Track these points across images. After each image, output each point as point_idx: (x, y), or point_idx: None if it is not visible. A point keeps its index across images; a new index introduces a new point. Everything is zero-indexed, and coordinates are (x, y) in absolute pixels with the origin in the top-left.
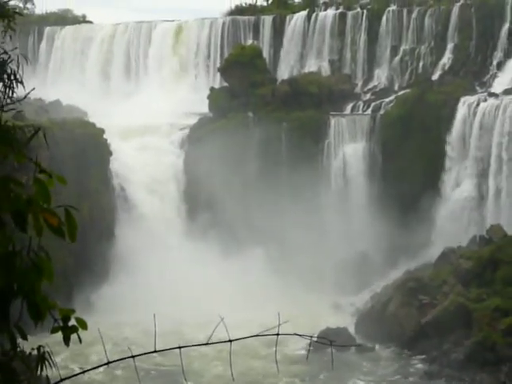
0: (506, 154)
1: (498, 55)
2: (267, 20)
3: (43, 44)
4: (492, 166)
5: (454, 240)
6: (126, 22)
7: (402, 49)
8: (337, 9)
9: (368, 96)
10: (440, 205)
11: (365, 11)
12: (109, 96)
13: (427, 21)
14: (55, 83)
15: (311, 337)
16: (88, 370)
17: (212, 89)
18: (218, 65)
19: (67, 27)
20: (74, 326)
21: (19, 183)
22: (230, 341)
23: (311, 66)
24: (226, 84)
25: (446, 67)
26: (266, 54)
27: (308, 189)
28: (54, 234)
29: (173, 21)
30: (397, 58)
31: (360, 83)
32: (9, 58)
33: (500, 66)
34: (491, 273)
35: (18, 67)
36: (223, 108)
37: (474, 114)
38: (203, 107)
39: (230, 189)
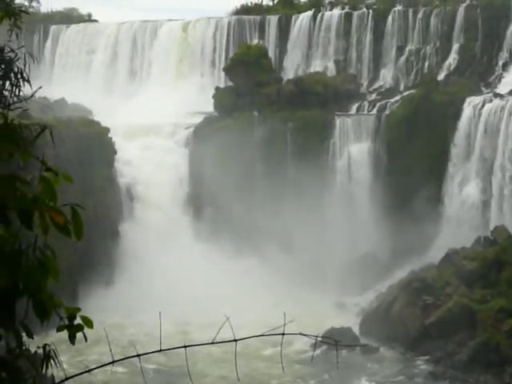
0: (511, 154)
1: (504, 56)
2: (273, 20)
3: (48, 43)
4: (497, 166)
5: (458, 241)
6: (132, 21)
7: (407, 49)
8: (342, 9)
9: (373, 96)
10: (445, 205)
11: (370, 11)
12: (114, 95)
13: (433, 21)
14: (60, 82)
15: (316, 337)
16: (93, 369)
17: (217, 88)
18: (223, 64)
19: (72, 26)
20: (79, 324)
21: (25, 181)
22: (235, 340)
23: (317, 66)
24: (231, 83)
25: (452, 68)
26: (271, 53)
27: (313, 188)
28: (60, 232)
29: (178, 20)
30: (402, 58)
31: (365, 83)
32: (15, 56)
33: (506, 66)
34: (495, 274)
35: (24, 66)
36: (228, 107)
37: (480, 114)
38: (208, 106)
39: (234, 188)
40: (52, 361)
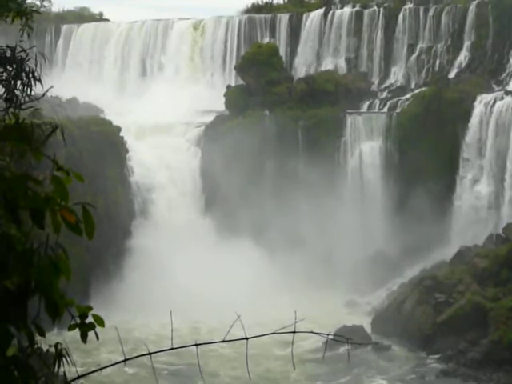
0: None
1: None
2: (284, 18)
3: (60, 42)
4: (508, 164)
5: (470, 238)
6: (143, 20)
7: (418, 47)
8: (353, 7)
9: (384, 94)
10: (456, 203)
11: (381, 9)
12: (125, 94)
13: (444, 19)
14: (72, 81)
15: (327, 335)
16: (105, 367)
17: (228, 87)
18: (234, 63)
19: (84, 25)
20: (91, 323)
21: (37, 181)
22: (247, 338)
23: (328, 64)
24: (242, 82)
25: (463, 65)
26: (282, 52)
27: (324, 186)
28: (71, 231)
29: (189, 19)
30: (413, 56)
31: (376, 81)
32: (27, 56)
33: None
34: (508, 272)
35: (35, 65)
36: (240, 106)
37: (491, 112)
38: (219, 105)
39: (246, 186)
40: (64, 359)
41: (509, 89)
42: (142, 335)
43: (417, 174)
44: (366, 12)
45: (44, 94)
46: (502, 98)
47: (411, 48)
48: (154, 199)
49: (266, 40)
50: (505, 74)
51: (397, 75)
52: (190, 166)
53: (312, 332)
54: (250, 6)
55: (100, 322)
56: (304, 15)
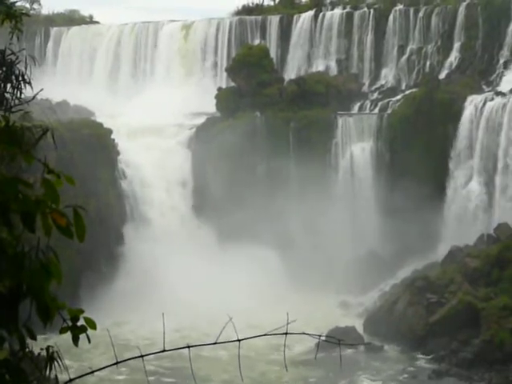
0: None
1: (505, 54)
2: (274, 20)
3: (50, 45)
4: (499, 164)
5: (461, 239)
6: (133, 22)
7: (408, 48)
8: (344, 8)
9: (375, 95)
10: (447, 203)
11: (372, 11)
12: (116, 96)
13: (434, 20)
14: (62, 83)
15: (319, 336)
16: (97, 370)
17: (219, 89)
18: (225, 65)
19: (74, 28)
20: (82, 325)
21: (27, 184)
22: (239, 340)
23: (318, 66)
24: (233, 84)
25: (453, 66)
26: (273, 53)
27: (315, 188)
28: (62, 234)
29: (180, 21)
30: (404, 58)
31: (367, 82)
32: (16, 58)
33: (507, 64)
34: (499, 271)
35: (25, 68)
36: (231, 108)
37: (481, 112)
38: (210, 107)
39: (237, 188)
40: (56, 363)
41: (499, 89)
42: (134, 339)
43: (408, 175)
44: (357, 13)
45: (34, 97)
46: (492, 99)
47: (401, 49)
48: (146, 201)
49: (257, 42)
50: (495, 75)
51: (387, 76)
52: (181, 167)
53: (304, 333)
54: (240, 7)
55: (92, 324)
56: (294, 17)
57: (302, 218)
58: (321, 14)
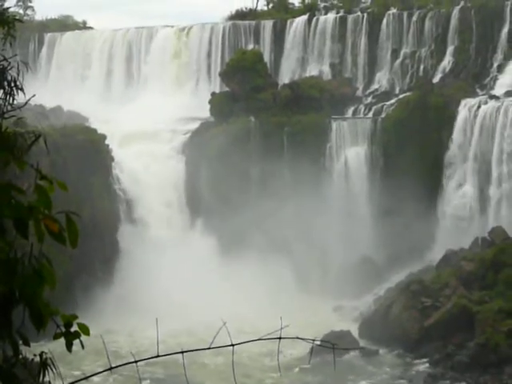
0: (507, 156)
1: (499, 57)
2: (268, 24)
3: (44, 50)
4: (493, 168)
5: (456, 242)
6: (127, 28)
7: (402, 52)
8: (337, 13)
9: (369, 99)
10: (442, 207)
11: (365, 15)
12: (110, 102)
13: (427, 24)
14: (56, 89)
15: (313, 340)
16: (91, 376)
17: (213, 93)
18: (219, 70)
19: (68, 33)
20: (76, 331)
21: (20, 190)
22: (233, 345)
23: (312, 70)
24: (227, 89)
25: (447, 70)
26: (267, 58)
27: (310, 192)
28: (55, 240)
29: (173, 26)
30: (397, 61)
31: (361, 87)
32: (9, 64)
33: (500, 68)
34: (494, 275)
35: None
36: (225, 113)
37: (475, 116)
38: (204, 112)
39: (231, 193)
40: (49, 369)
41: (493, 93)
42: (128, 345)
43: (402, 179)
44: (350, 17)
45: (26, 103)
46: (486, 103)
47: (395, 53)
48: (140, 207)
49: (251, 46)
50: (488, 79)
51: (381, 80)
52: (175, 173)
53: (298, 338)
54: (234, 12)
55: (85, 330)
56: (288, 21)
57: (297, 222)
58: (314, 19)
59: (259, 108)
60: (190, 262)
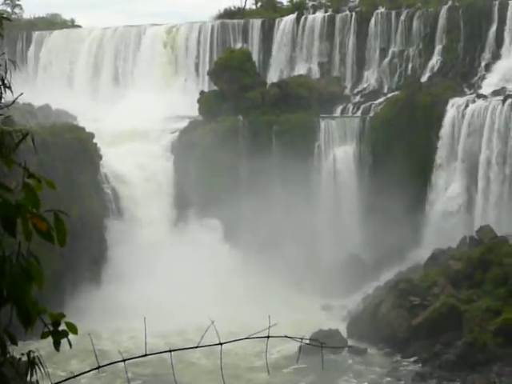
0: (495, 155)
1: (486, 57)
2: (256, 23)
3: (32, 49)
4: (481, 167)
5: (444, 241)
6: (115, 26)
7: (390, 51)
8: (325, 12)
9: (357, 98)
10: (430, 206)
11: (353, 14)
12: (98, 100)
13: (415, 23)
14: (44, 88)
15: (301, 339)
16: (79, 375)
17: (202, 92)
18: (207, 68)
19: (56, 32)
20: (64, 330)
21: (8, 188)
22: (221, 344)
23: (301, 69)
24: (215, 87)
25: (435, 69)
26: (255, 57)
27: (299, 191)
28: (43, 238)
29: (162, 25)
30: (386, 60)
31: (349, 85)
32: None
33: (488, 67)
34: (481, 274)
35: (5, 72)
36: (213, 111)
37: (463, 115)
38: (193, 111)
39: (220, 192)
40: (37, 368)
41: (480, 92)
42: (116, 344)
43: (390, 178)
44: (338, 16)
45: (14, 101)
46: (474, 102)
47: (383, 52)
48: (129, 205)
49: (239, 45)
50: (476, 78)
51: (369, 79)
52: (164, 171)
53: (286, 336)
54: (222, 11)
55: (73, 329)
56: (276, 20)
57: (286, 220)
58: (303, 18)
59: (248, 107)
60: (179, 261)
